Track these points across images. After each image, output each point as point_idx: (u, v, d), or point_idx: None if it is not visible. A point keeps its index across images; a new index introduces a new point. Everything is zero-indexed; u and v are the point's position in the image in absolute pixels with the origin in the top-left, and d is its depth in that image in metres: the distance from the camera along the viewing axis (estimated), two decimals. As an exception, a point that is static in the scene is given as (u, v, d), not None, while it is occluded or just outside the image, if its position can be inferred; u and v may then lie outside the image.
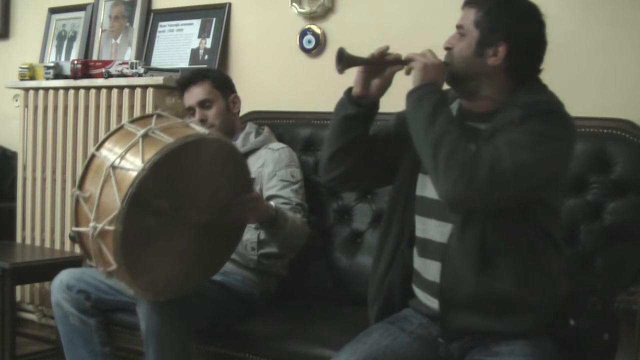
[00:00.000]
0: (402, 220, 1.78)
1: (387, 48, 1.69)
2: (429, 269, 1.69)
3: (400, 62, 1.68)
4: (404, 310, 1.78)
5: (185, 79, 2.44)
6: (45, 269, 2.77)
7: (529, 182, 1.51)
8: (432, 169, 1.52)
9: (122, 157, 1.79)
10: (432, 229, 1.69)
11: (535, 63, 1.65)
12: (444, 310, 1.64)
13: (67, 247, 3.13)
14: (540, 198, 1.60)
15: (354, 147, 1.75)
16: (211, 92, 2.40)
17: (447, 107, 1.59)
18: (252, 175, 2.28)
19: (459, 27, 1.66)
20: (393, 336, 1.68)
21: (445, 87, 1.67)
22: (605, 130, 2.06)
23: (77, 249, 3.01)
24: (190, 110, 2.41)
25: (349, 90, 1.75)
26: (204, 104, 2.38)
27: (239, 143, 2.40)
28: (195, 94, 2.38)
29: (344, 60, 1.66)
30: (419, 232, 1.73)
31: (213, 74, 2.48)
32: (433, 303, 1.68)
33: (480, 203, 1.52)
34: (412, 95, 1.60)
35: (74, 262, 2.67)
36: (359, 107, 1.72)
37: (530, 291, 1.58)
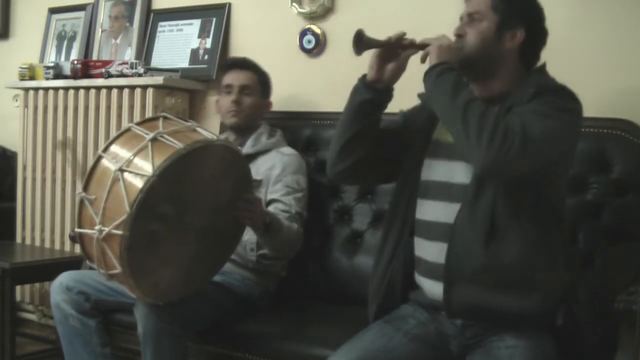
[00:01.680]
0: (406, 209, 1.78)
1: (404, 34, 1.72)
2: (432, 250, 1.69)
3: (416, 46, 1.71)
4: (402, 308, 1.77)
5: (240, 60, 2.53)
6: (45, 269, 2.77)
7: (557, 149, 1.57)
8: (464, 136, 1.52)
9: (130, 160, 1.78)
10: (437, 210, 1.70)
11: (541, 50, 1.73)
12: (449, 287, 1.63)
13: (67, 247, 3.13)
14: (552, 176, 1.64)
15: (366, 136, 1.77)
16: (256, 84, 2.48)
17: (465, 83, 1.63)
18: (260, 177, 2.30)
19: (471, 13, 1.70)
20: (388, 337, 1.68)
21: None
22: (605, 130, 2.06)
23: (77, 250, 3.01)
24: (228, 89, 2.46)
25: (363, 76, 1.77)
26: (245, 89, 2.44)
27: (249, 142, 2.42)
28: (242, 77, 2.46)
29: (363, 43, 1.68)
30: (423, 216, 1.74)
31: (263, 72, 2.54)
32: (436, 288, 1.67)
33: (515, 169, 1.52)
34: (430, 73, 1.63)
35: (74, 262, 2.67)
36: (374, 92, 1.74)
37: (534, 266, 1.60)
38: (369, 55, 2.56)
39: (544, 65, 1.73)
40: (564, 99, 1.60)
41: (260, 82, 2.49)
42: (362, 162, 1.79)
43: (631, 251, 1.97)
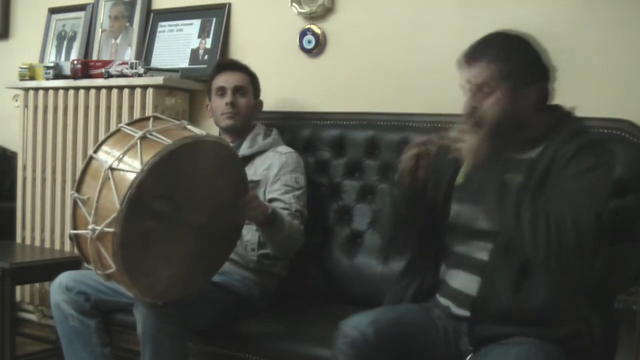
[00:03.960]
0: (434, 243, 1.84)
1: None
2: (455, 277, 1.75)
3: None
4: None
5: (229, 62, 2.55)
6: (45, 269, 2.77)
7: (605, 220, 1.57)
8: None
9: (120, 159, 1.79)
10: (465, 248, 1.75)
11: (552, 87, 1.74)
12: (474, 321, 1.68)
13: (67, 248, 3.12)
14: None
15: (412, 222, 1.81)
16: (248, 84, 2.48)
17: (513, 180, 1.63)
18: (258, 178, 2.30)
19: (480, 85, 1.68)
20: (420, 314, 1.75)
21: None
22: (605, 130, 2.05)
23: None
24: (220, 91, 2.45)
25: (396, 185, 1.80)
26: (239, 90, 2.45)
27: (246, 144, 2.41)
28: (235, 79, 2.46)
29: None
30: (452, 248, 1.79)
31: (252, 72, 2.54)
32: (454, 310, 1.73)
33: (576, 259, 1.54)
34: (471, 180, 1.69)
35: (74, 262, 2.66)
36: (411, 203, 1.77)
37: (558, 310, 1.62)
38: (368, 58, 2.57)
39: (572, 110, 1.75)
40: (602, 156, 1.64)
41: (252, 82, 2.50)
42: (412, 243, 1.87)
43: (631, 251, 1.97)
